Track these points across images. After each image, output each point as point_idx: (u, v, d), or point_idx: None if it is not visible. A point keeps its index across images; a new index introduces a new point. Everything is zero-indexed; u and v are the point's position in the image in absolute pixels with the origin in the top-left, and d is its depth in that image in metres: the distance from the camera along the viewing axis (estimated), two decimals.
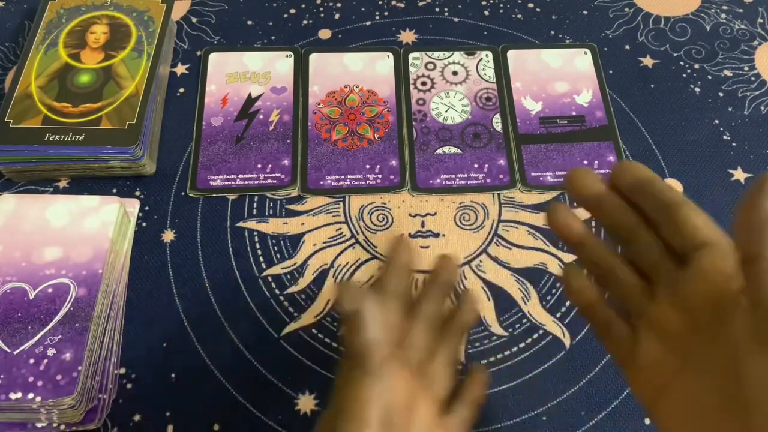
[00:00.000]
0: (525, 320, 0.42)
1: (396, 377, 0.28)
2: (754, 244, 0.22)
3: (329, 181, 0.46)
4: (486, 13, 0.56)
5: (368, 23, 0.54)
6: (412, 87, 0.51)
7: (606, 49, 0.54)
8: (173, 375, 0.39)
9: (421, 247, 0.44)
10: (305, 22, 0.54)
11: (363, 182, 0.46)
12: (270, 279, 0.43)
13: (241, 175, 0.46)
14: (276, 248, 0.44)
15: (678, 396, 0.25)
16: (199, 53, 0.52)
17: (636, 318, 0.27)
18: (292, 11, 0.55)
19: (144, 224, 0.44)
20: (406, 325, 0.32)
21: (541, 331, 0.41)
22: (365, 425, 0.26)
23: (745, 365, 0.22)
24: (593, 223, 0.41)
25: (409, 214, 0.45)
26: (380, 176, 0.46)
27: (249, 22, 0.54)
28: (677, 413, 0.25)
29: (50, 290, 0.38)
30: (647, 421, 0.38)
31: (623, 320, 0.28)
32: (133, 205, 0.45)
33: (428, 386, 0.31)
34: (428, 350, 0.32)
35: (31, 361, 0.36)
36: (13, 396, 0.35)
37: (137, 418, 0.38)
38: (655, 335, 0.26)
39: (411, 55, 0.52)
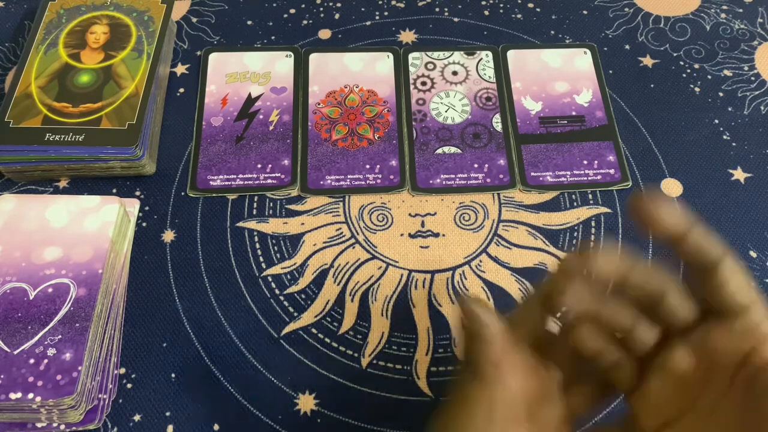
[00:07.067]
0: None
1: (510, 388, 0.27)
2: None
3: (329, 181, 0.46)
4: (486, 13, 0.56)
5: (368, 23, 0.54)
6: (412, 87, 0.51)
7: (606, 49, 0.54)
8: (173, 375, 0.39)
9: (421, 247, 0.44)
10: (305, 22, 0.54)
11: (363, 182, 0.46)
12: (270, 279, 0.43)
13: (241, 175, 0.46)
14: (276, 248, 0.44)
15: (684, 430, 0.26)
16: (199, 53, 0.52)
17: (645, 357, 0.28)
18: (292, 11, 0.55)
19: (144, 224, 0.44)
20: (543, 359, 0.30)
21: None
22: (470, 425, 0.26)
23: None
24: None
25: (409, 214, 0.45)
26: (380, 176, 0.46)
27: (249, 22, 0.54)
28: None
29: (50, 290, 0.38)
30: None
31: (630, 357, 0.28)
32: (133, 205, 0.45)
33: (563, 410, 0.29)
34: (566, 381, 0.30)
35: (31, 361, 0.36)
36: (13, 396, 0.35)
37: (137, 418, 0.38)
38: (665, 376, 0.27)
39: (411, 55, 0.52)
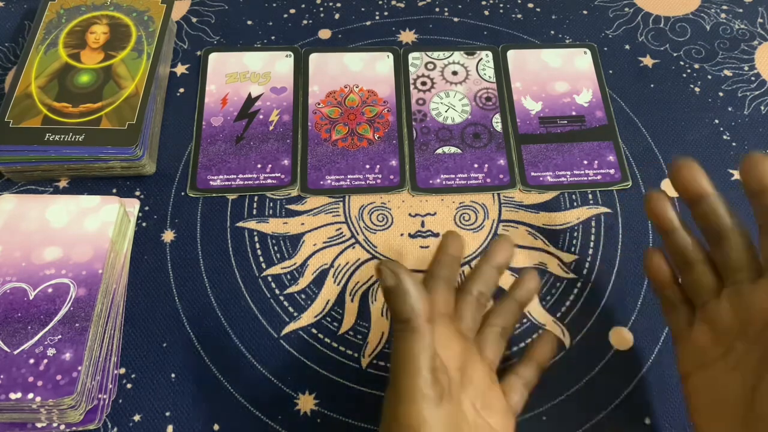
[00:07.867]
0: (525, 320, 0.42)
1: (443, 335, 0.31)
2: None
3: (329, 181, 0.46)
4: (486, 13, 0.56)
5: (368, 23, 0.54)
6: (412, 87, 0.51)
7: (606, 49, 0.54)
8: (173, 375, 0.39)
9: (421, 247, 0.44)
10: (305, 22, 0.54)
11: (363, 182, 0.46)
12: (270, 279, 0.43)
13: (241, 175, 0.46)
14: (276, 248, 0.44)
15: (708, 378, 0.30)
16: (199, 53, 0.52)
17: (698, 305, 0.32)
18: (292, 11, 0.55)
19: (144, 224, 0.44)
20: (457, 304, 0.35)
21: (541, 331, 0.41)
22: (417, 373, 0.27)
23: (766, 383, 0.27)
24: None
25: (409, 214, 0.45)
26: (380, 176, 0.46)
27: (249, 22, 0.54)
28: (702, 391, 0.30)
29: (50, 290, 0.38)
30: (647, 420, 0.38)
31: (686, 303, 0.33)
32: (133, 205, 0.45)
33: (480, 353, 0.34)
34: (476, 322, 0.36)
35: (31, 361, 0.36)
36: (12, 396, 0.35)
37: (137, 418, 0.38)
38: (708, 325, 0.31)
39: (411, 55, 0.52)
